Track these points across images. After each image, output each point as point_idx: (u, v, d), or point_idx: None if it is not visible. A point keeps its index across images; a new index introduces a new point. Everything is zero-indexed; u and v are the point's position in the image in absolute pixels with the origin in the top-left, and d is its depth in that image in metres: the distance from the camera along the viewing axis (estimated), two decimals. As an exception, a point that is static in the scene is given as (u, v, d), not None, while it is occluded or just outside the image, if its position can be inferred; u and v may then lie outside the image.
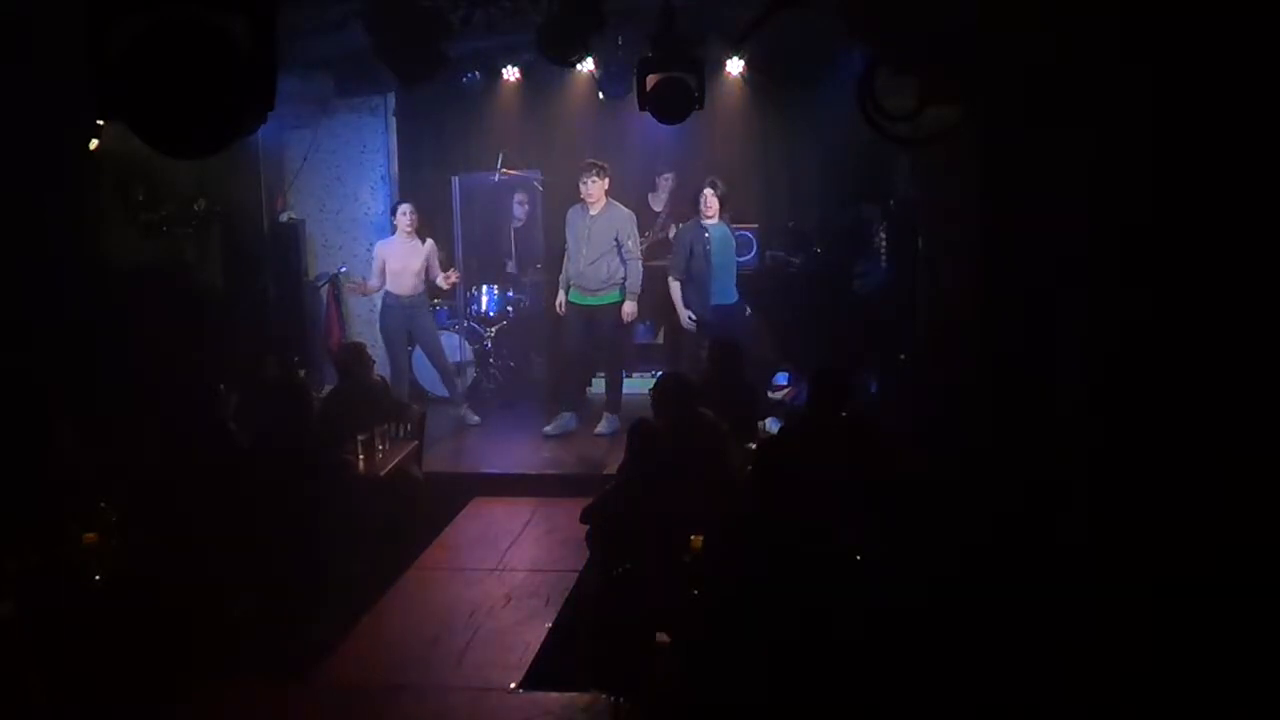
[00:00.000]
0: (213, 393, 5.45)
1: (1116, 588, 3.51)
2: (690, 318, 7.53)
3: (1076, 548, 3.82)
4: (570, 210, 7.69)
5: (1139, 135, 3.60)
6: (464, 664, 4.65)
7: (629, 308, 7.54)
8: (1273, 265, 3.04)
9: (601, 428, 7.64)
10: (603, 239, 7.46)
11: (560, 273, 7.80)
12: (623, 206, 7.60)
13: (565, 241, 7.67)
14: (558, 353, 8.29)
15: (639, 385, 8.36)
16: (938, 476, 4.76)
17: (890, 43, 4.41)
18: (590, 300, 7.56)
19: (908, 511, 4.29)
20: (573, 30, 5.98)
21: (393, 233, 8.03)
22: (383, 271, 7.80)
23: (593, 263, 7.47)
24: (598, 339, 7.64)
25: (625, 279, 7.50)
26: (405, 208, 7.88)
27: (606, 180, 7.47)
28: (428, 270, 7.88)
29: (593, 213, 7.48)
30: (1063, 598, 3.65)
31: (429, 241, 7.94)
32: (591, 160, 7.54)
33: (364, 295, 8.37)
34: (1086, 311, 4.07)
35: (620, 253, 7.48)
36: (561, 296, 7.72)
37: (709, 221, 7.54)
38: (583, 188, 7.47)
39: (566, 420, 7.70)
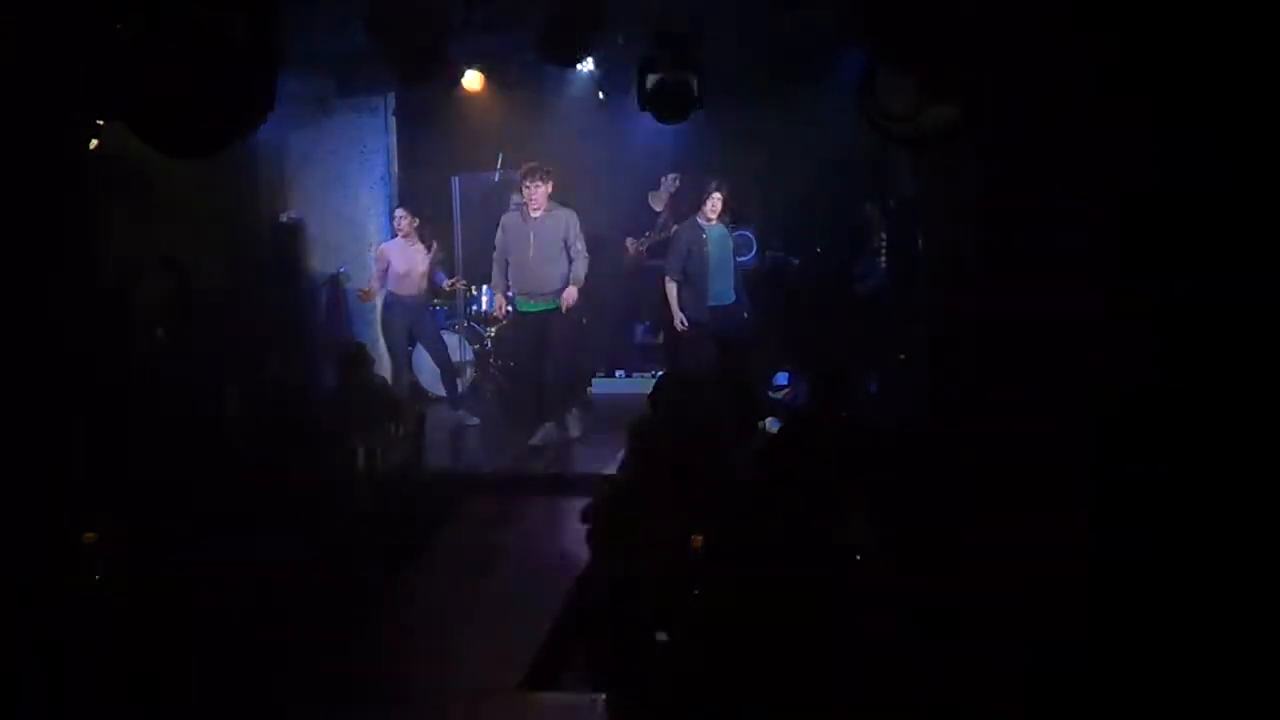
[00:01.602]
0: (213, 393, 5.45)
1: (1116, 587, 3.51)
2: (682, 321, 7.49)
3: (1075, 548, 3.81)
4: (506, 216, 7.40)
5: (1140, 134, 3.60)
6: (464, 664, 4.64)
7: (570, 292, 7.13)
8: (1274, 265, 3.04)
9: (573, 430, 7.41)
10: (550, 242, 7.12)
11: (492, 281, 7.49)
12: (563, 206, 7.23)
13: (502, 250, 7.31)
14: (521, 366, 7.85)
15: (639, 385, 8.36)
16: (936, 477, 4.76)
17: (890, 43, 4.41)
18: (541, 306, 7.21)
19: (907, 511, 4.30)
20: (573, 30, 5.98)
21: (393, 235, 8.07)
22: (384, 273, 7.82)
23: (541, 268, 7.13)
24: (555, 344, 7.25)
25: (571, 272, 7.14)
26: (399, 212, 7.92)
27: (551, 184, 7.12)
28: (432, 273, 7.91)
29: (535, 215, 7.15)
30: (1062, 596, 3.65)
31: (434, 245, 7.96)
32: (534, 164, 7.16)
33: (368, 302, 8.34)
34: (1087, 312, 4.07)
35: (569, 252, 7.15)
36: (500, 301, 7.46)
37: (706, 222, 7.51)
38: (527, 192, 7.11)
39: (548, 430, 7.36)
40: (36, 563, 3.98)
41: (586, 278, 7.22)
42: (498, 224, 9.16)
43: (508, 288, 7.37)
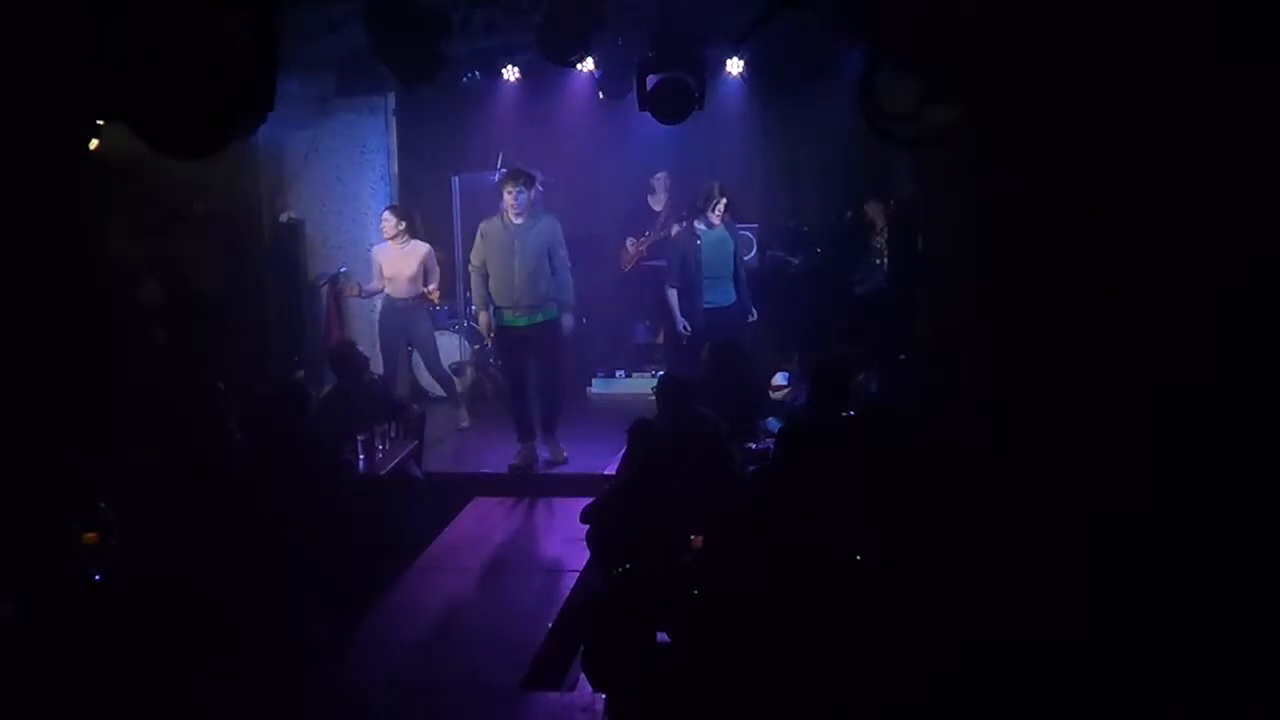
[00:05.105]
0: (212, 393, 5.45)
1: (1119, 584, 3.51)
2: (684, 327, 7.46)
3: (1076, 547, 3.82)
4: (485, 224, 6.90)
5: (1140, 134, 3.60)
6: (464, 664, 4.64)
7: (568, 321, 6.93)
8: (1275, 260, 3.05)
9: (545, 455, 7.12)
10: (534, 252, 6.74)
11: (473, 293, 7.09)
12: (546, 213, 6.95)
13: (482, 260, 6.86)
14: (506, 380, 7.50)
15: (639, 385, 8.36)
16: (937, 477, 4.76)
17: (890, 43, 4.41)
18: (524, 320, 6.85)
19: (910, 511, 4.30)
20: (573, 30, 5.98)
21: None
22: (380, 274, 7.80)
23: (526, 278, 6.74)
24: (537, 359, 6.97)
25: (559, 292, 6.84)
26: (385, 214, 7.78)
27: (534, 190, 6.80)
28: (425, 275, 7.81)
29: (518, 223, 6.74)
30: (1062, 595, 3.65)
31: (426, 248, 7.83)
32: (518, 168, 6.88)
33: (359, 298, 8.34)
34: (1087, 311, 4.07)
35: (551, 262, 6.81)
36: (485, 318, 6.96)
37: (702, 227, 7.44)
38: (509, 197, 6.68)
39: (526, 451, 7.09)
40: (36, 562, 3.98)
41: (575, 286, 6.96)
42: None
43: (490, 302, 6.92)
